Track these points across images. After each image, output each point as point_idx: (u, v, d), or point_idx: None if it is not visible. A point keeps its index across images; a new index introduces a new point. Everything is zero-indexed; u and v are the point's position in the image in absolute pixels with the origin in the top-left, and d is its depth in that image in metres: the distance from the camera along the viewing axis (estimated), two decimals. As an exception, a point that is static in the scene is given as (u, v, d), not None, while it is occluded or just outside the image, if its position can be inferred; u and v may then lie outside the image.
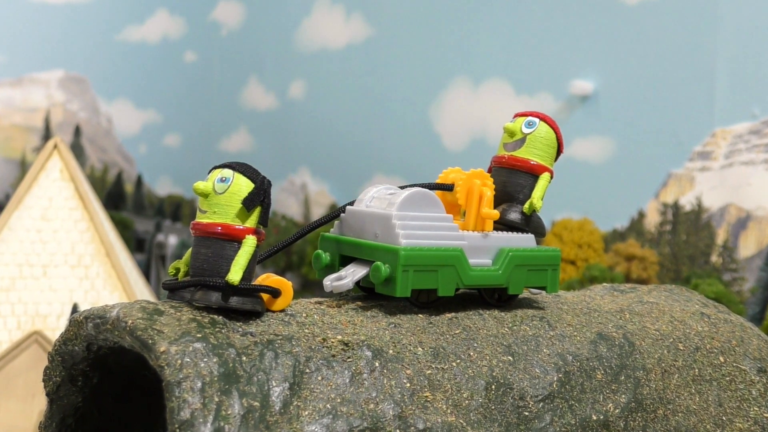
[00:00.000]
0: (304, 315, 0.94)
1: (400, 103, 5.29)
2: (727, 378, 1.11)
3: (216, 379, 0.81)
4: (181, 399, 0.79)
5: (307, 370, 0.86)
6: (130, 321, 0.85)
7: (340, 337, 0.91)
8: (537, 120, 1.10)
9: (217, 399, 0.80)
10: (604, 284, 1.30)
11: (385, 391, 0.88)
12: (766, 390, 1.12)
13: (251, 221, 0.91)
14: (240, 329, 0.88)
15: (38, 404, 3.03)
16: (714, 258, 3.96)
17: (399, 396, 0.88)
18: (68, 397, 0.96)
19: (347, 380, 0.87)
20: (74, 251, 3.21)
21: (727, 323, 1.19)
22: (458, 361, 0.94)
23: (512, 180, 1.09)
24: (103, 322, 0.88)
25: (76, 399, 0.96)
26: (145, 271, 6.01)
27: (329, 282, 0.97)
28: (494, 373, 0.95)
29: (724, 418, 1.07)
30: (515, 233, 1.07)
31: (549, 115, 1.11)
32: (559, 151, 1.11)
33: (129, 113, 7.29)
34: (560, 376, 0.98)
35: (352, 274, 0.98)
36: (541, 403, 0.95)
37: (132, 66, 7.23)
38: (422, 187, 1.04)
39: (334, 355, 0.88)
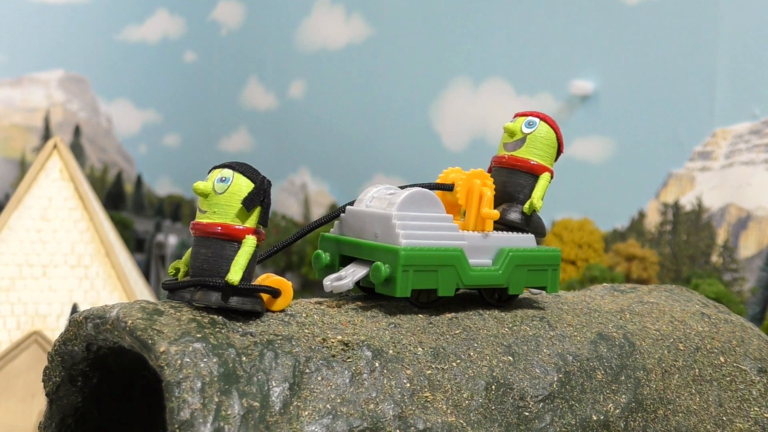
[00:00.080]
0: (304, 315, 0.94)
1: (400, 103, 5.29)
2: (728, 378, 1.11)
3: (216, 379, 0.81)
4: (181, 399, 0.79)
5: (307, 371, 0.86)
6: (130, 321, 0.85)
7: (340, 337, 0.91)
8: (537, 120, 1.10)
9: (216, 399, 0.79)
10: (605, 284, 1.30)
11: (385, 392, 0.87)
12: (767, 390, 1.12)
13: (251, 221, 0.91)
14: (240, 329, 0.88)
15: (38, 404, 3.03)
16: (714, 258, 3.96)
17: (399, 396, 0.88)
18: (68, 397, 0.95)
19: (347, 380, 0.87)
20: (74, 251, 3.21)
21: (728, 323, 1.19)
22: (458, 361, 0.94)
23: (512, 180, 1.09)
24: (102, 322, 0.88)
25: (75, 399, 0.96)
26: (145, 271, 6.01)
27: (329, 282, 0.97)
28: (494, 374, 0.94)
29: (724, 418, 1.07)
30: (515, 233, 1.07)
31: (549, 115, 1.11)
32: (560, 151, 1.11)
33: (129, 113, 7.29)
34: (560, 376, 0.98)
35: (352, 274, 0.98)
36: (542, 404, 0.95)
37: (132, 66, 7.23)
38: (422, 187, 1.04)
39: (334, 356, 0.88)
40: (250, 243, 0.89)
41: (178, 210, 7.06)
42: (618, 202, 4.24)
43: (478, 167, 1.09)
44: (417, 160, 5.13)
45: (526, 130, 1.09)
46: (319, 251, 1.03)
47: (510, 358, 0.97)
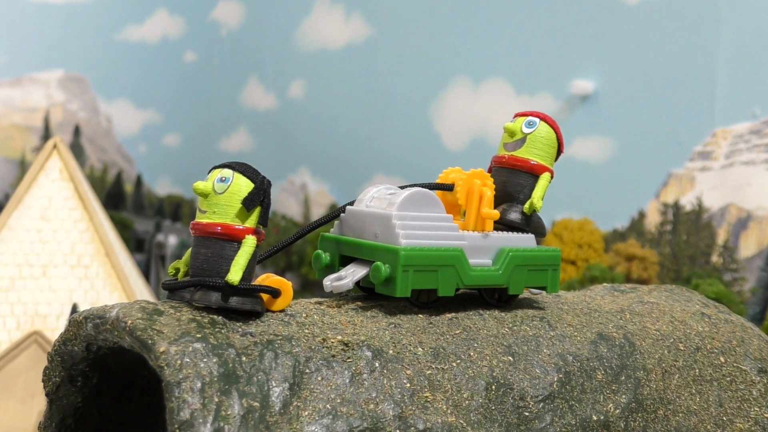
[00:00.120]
0: (304, 315, 0.94)
1: (400, 103, 5.29)
2: (728, 378, 1.11)
3: (216, 379, 0.81)
4: (181, 399, 0.78)
5: (307, 371, 0.86)
6: (130, 321, 0.85)
7: (340, 337, 0.91)
8: (537, 120, 1.09)
9: (216, 399, 0.79)
10: (605, 284, 1.30)
11: (385, 392, 0.87)
12: (767, 390, 1.12)
13: (251, 221, 0.90)
14: (240, 329, 0.88)
15: (38, 404, 3.03)
16: (714, 258, 3.96)
17: (399, 396, 0.88)
18: (68, 397, 0.95)
19: (347, 380, 0.87)
20: (74, 251, 3.21)
21: (728, 323, 1.19)
22: (458, 361, 0.94)
23: (512, 180, 1.09)
24: (102, 322, 0.88)
25: (75, 399, 0.96)
26: (145, 271, 6.01)
27: (329, 282, 0.97)
28: (494, 374, 0.94)
29: (724, 418, 1.07)
30: (515, 233, 1.07)
31: (549, 114, 1.11)
32: (560, 150, 1.11)
33: (129, 113, 7.29)
34: (560, 376, 0.98)
35: (352, 275, 0.98)
36: (542, 404, 0.95)
37: (132, 66, 7.23)
38: (422, 187, 1.03)
39: (334, 356, 0.88)
40: (250, 243, 0.89)
41: (178, 210, 7.06)
42: (618, 202, 4.24)
43: (478, 167, 1.09)
44: (417, 160, 5.13)
45: (526, 130, 1.09)
46: (319, 251, 1.03)
47: (510, 358, 0.97)
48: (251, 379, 0.83)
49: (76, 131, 7.40)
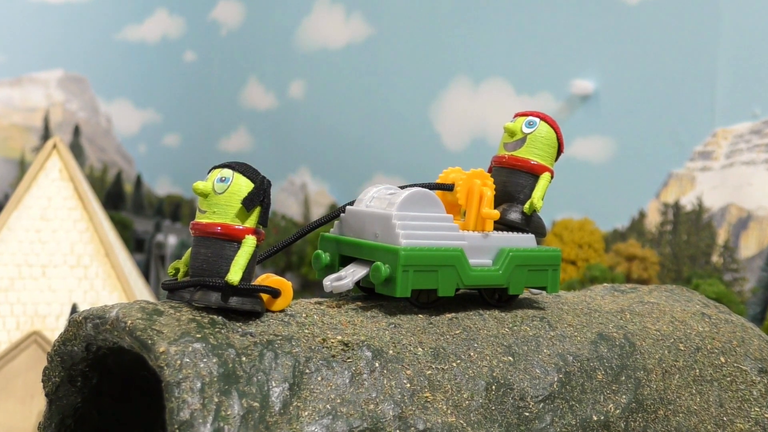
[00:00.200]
0: (303, 315, 0.94)
1: (400, 103, 5.29)
2: (728, 378, 1.11)
3: (215, 379, 0.81)
4: (181, 399, 0.78)
5: (307, 371, 0.86)
6: (130, 321, 0.85)
7: (340, 337, 0.91)
8: (537, 120, 1.09)
9: (216, 399, 0.79)
10: (605, 284, 1.30)
11: (385, 392, 0.87)
12: (767, 390, 1.12)
13: (251, 221, 0.90)
14: (240, 329, 0.88)
15: (37, 405, 3.03)
16: (715, 258, 3.96)
17: (399, 396, 0.88)
18: (67, 397, 0.95)
19: (347, 381, 0.87)
20: (73, 251, 3.21)
21: (728, 323, 1.18)
22: (458, 361, 0.94)
23: (512, 180, 1.08)
24: (102, 322, 0.88)
25: (75, 399, 0.96)
26: (145, 272, 6.01)
27: (329, 282, 0.97)
28: (494, 374, 0.94)
29: (725, 418, 1.07)
30: (515, 233, 1.07)
31: (549, 114, 1.11)
32: (560, 150, 1.11)
33: (128, 113, 7.29)
34: (561, 376, 0.98)
35: (352, 275, 0.98)
36: (542, 404, 0.95)
37: (131, 66, 7.24)
38: (422, 187, 1.03)
39: (334, 356, 0.88)
40: (249, 243, 0.89)
41: (177, 210, 7.06)
42: (618, 202, 4.24)
43: (478, 167, 1.09)
44: (417, 160, 5.13)
45: (526, 130, 1.09)
46: (319, 251, 1.03)
47: (510, 358, 0.97)
48: (251, 380, 0.83)
49: (76, 131, 7.40)
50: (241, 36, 6.49)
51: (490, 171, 1.11)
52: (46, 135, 7.23)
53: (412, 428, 0.86)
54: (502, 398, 0.93)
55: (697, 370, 1.09)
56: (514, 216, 1.07)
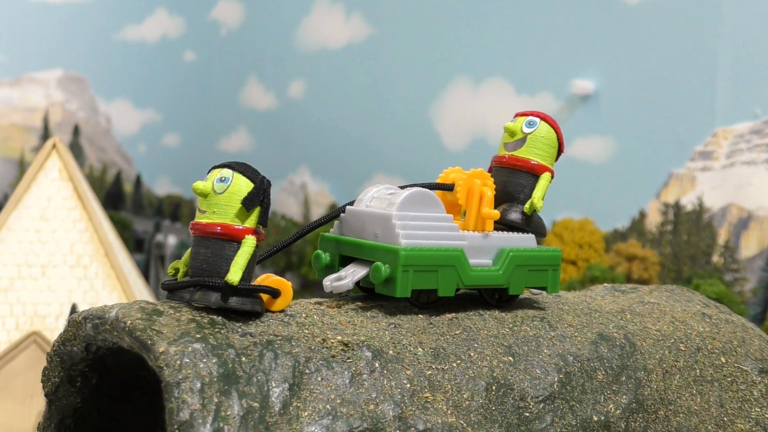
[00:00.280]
0: (303, 315, 0.94)
1: (400, 103, 5.29)
2: (729, 379, 1.11)
3: (215, 379, 0.80)
4: (181, 400, 0.78)
5: (307, 371, 0.86)
6: (129, 321, 0.84)
7: (339, 337, 0.91)
8: (538, 119, 1.09)
9: (216, 400, 0.79)
10: (605, 284, 1.30)
11: (385, 392, 0.87)
12: (768, 391, 1.12)
13: (251, 221, 0.90)
14: (239, 330, 0.88)
15: (37, 405, 3.03)
16: (715, 258, 3.96)
17: (399, 397, 0.87)
18: (67, 397, 0.95)
19: (347, 381, 0.87)
20: (73, 251, 3.21)
21: (729, 324, 1.18)
22: (458, 361, 0.94)
23: (513, 180, 1.08)
24: (102, 322, 0.87)
25: (74, 400, 0.95)
26: (144, 272, 6.01)
27: (329, 282, 0.97)
28: (495, 374, 0.94)
29: (725, 419, 1.07)
30: (516, 233, 1.07)
31: (550, 114, 1.11)
32: (560, 150, 1.11)
33: (128, 113, 7.29)
34: (561, 376, 0.98)
35: (352, 275, 0.97)
36: (542, 404, 0.95)
37: (131, 65, 7.23)
38: (422, 187, 1.03)
39: (333, 356, 0.88)
40: (249, 243, 0.89)
41: (177, 210, 7.06)
42: (619, 202, 4.24)
43: (478, 167, 1.09)
44: (417, 160, 5.13)
45: (526, 130, 1.09)
46: (319, 251, 1.03)
47: (510, 358, 0.97)
48: (251, 380, 0.82)
49: (76, 131, 7.39)
50: (241, 36, 6.49)
51: (490, 171, 1.11)
52: (45, 135, 7.23)
53: (412, 428, 0.86)
54: (503, 398, 0.93)
55: (698, 371, 1.09)
56: (515, 216, 1.07)
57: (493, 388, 0.93)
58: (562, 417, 0.95)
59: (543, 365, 0.98)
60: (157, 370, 0.81)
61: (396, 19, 5.33)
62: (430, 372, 0.91)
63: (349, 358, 0.88)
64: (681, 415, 1.04)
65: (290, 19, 6.05)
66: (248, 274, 0.89)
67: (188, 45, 6.92)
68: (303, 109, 5.98)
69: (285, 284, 0.93)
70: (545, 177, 1.08)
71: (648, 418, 1.01)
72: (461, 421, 0.89)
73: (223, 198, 0.89)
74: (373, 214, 1.00)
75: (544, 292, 1.11)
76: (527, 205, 1.07)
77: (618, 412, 0.99)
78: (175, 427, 0.77)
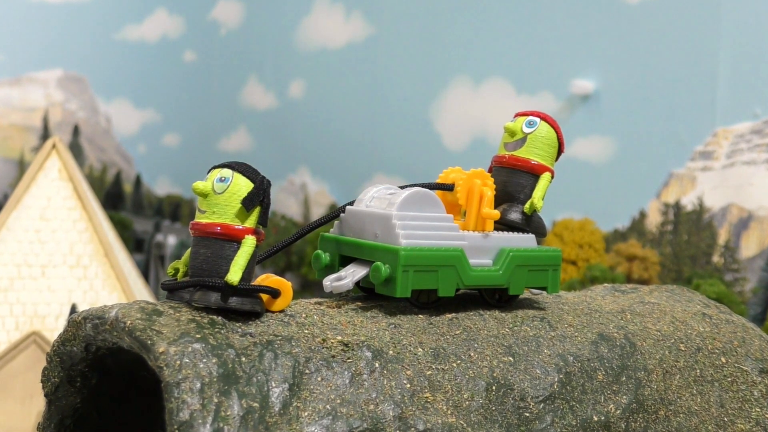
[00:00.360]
0: (303, 315, 0.94)
1: (400, 103, 5.29)
2: (729, 379, 1.11)
3: (215, 379, 0.80)
4: (180, 400, 0.78)
5: (307, 371, 0.86)
6: (129, 321, 0.84)
7: (339, 337, 0.91)
8: (538, 119, 1.09)
9: (216, 400, 0.79)
10: (605, 284, 1.30)
11: (385, 392, 0.87)
12: (768, 391, 1.12)
13: (250, 221, 0.90)
14: (239, 330, 0.88)
15: (36, 405, 3.03)
16: (715, 258, 3.96)
17: (399, 397, 0.87)
18: (67, 398, 0.95)
19: (347, 381, 0.87)
20: (73, 251, 3.21)
21: (729, 324, 1.18)
22: (459, 361, 0.94)
23: (513, 180, 1.08)
24: (101, 322, 0.87)
25: (74, 400, 0.95)
26: (144, 272, 6.01)
27: (329, 282, 0.97)
28: (495, 374, 0.94)
29: (725, 419, 1.07)
30: (516, 233, 1.07)
31: (550, 114, 1.11)
32: (560, 150, 1.11)
33: (128, 113, 7.29)
34: (561, 376, 0.98)
35: (351, 275, 0.97)
36: (542, 404, 0.95)
37: (131, 65, 7.23)
38: (422, 187, 1.03)
39: (333, 356, 0.88)
40: (249, 243, 0.89)
41: (177, 210, 7.06)
42: (619, 202, 4.24)
43: (478, 167, 1.09)
44: (417, 160, 5.13)
45: (526, 130, 1.09)
46: (319, 251, 1.03)
47: (510, 358, 0.97)
48: (251, 380, 0.82)
49: (75, 131, 7.40)
50: (240, 36, 6.49)
51: (490, 171, 1.11)
52: (45, 135, 7.23)
53: (412, 429, 0.86)
54: (503, 399, 0.93)
55: (698, 371, 1.09)
56: (515, 216, 1.07)
57: (493, 388, 0.93)
58: (562, 417, 0.95)
59: (543, 365, 0.98)
60: (157, 371, 0.81)
61: (396, 19, 5.33)
62: (430, 372, 0.91)
63: (349, 358, 0.88)
64: (681, 415, 1.04)
65: (290, 19, 6.05)
66: (248, 274, 0.89)
67: (188, 45, 6.92)
68: (303, 109, 5.98)
69: (285, 284, 0.93)
70: (545, 177, 1.08)
71: (648, 418, 1.01)
72: (461, 422, 0.89)
73: (223, 198, 0.89)
74: (373, 214, 1.00)
75: (544, 292, 1.10)
76: (527, 205, 1.07)
77: (618, 412, 0.99)
78: (175, 427, 0.77)
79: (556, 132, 1.10)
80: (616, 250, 4.06)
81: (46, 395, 0.95)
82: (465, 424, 0.89)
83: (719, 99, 3.86)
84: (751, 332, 1.19)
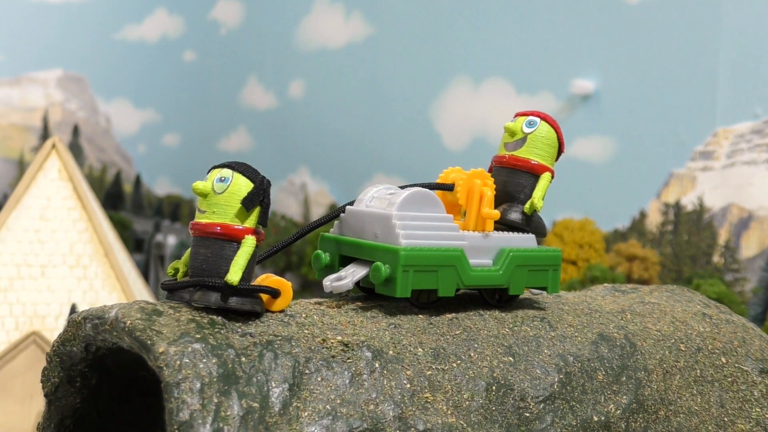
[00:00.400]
0: (303, 315, 0.94)
1: (400, 103, 5.29)
2: (729, 379, 1.10)
3: (215, 380, 0.80)
4: (180, 400, 0.78)
5: (307, 371, 0.86)
6: (129, 321, 0.84)
7: (339, 337, 0.91)
8: (538, 119, 1.09)
9: (216, 400, 0.79)
10: (606, 284, 1.30)
11: (385, 392, 0.87)
12: (769, 391, 1.12)
13: (250, 221, 0.90)
14: (239, 330, 0.88)
15: (36, 405, 3.03)
16: (716, 258, 3.96)
17: (399, 397, 0.87)
18: (66, 398, 0.95)
19: (347, 381, 0.86)
20: (73, 251, 3.21)
21: (729, 324, 1.18)
22: (459, 361, 0.94)
23: (513, 180, 1.08)
24: (101, 322, 0.87)
25: (74, 400, 0.95)
26: (144, 272, 6.01)
27: (329, 282, 0.97)
28: (495, 374, 0.94)
29: (725, 419, 1.07)
30: (516, 233, 1.07)
31: (550, 114, 1.11)
32: (560, 150, 1.11)
33: (128, 113, 7.29)
34: (561, 376, 0.97)
35: (351, 275, 0.97)
36: (542, 404, 0.95)
37: (131, 65, 7.23)
38: (422, 187, 1.03)
39: (333, 356, 0.88)
40: (249, 243, 0.89)
41: (177, 210, 7.06)
42: (619, 202, 4.24)
43: (478, 167, 1.09)
44: (417, 160, 5.13)
45: (526, 130, 1.09)
46: (319, 251, 1.03)
47: (510, 358, 0.97)
48: (251, 380, 0.82)
49: (75, 131, 7.39)
50: (240, 36, 6.49)
51: (490, 171, 1.11)
52: (45, 135, 7.23)
53: (412, 429, 0.86)
54: (503, 399, 0.93)
55: (698, 371, 1.09)
56: (515, 216, 1.07)
57: (494, 388, 0.93)
58: (562, 417, 0.95)
59: (543, 365, 0.98)
60: (157, 371, 0.81)
61: (396, 19, 5.33)
62: (430, 372, 0.91)
63: (349, 359, 0.88)
64: (681, 415, 1.04)
65: (290, 19, 6.05)
66: (248, 274, 0.89)
67: (188, 45, 6.92)
68: (303, 109, 5.98)
69: (285, 284, 0.93)
70: (545, 177, 1.08)
71: (648, 418, 1.01)
72: (461, 422, 0.89)
73: (222, 198, 0.89)
74: (373, 214, 1.00)
75: (545, 292, 1.10)
76: (527, 205, 1.07)
77: (618, 412, 0.99)
78: (175, 427, 0.77)
79: (556, 132, 1.09)
80: (616, 250, 4.06)
81: (45, 395, 0.95)
82: (465, 424, 0.89)
83: (719, 99, 3.86)
84: (751, 332, 1.19)
